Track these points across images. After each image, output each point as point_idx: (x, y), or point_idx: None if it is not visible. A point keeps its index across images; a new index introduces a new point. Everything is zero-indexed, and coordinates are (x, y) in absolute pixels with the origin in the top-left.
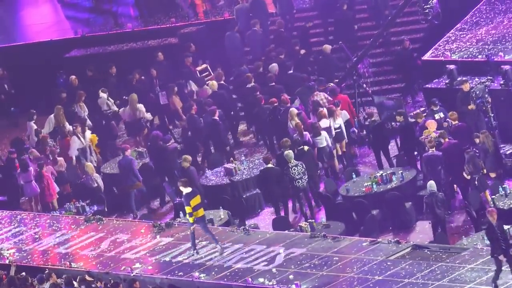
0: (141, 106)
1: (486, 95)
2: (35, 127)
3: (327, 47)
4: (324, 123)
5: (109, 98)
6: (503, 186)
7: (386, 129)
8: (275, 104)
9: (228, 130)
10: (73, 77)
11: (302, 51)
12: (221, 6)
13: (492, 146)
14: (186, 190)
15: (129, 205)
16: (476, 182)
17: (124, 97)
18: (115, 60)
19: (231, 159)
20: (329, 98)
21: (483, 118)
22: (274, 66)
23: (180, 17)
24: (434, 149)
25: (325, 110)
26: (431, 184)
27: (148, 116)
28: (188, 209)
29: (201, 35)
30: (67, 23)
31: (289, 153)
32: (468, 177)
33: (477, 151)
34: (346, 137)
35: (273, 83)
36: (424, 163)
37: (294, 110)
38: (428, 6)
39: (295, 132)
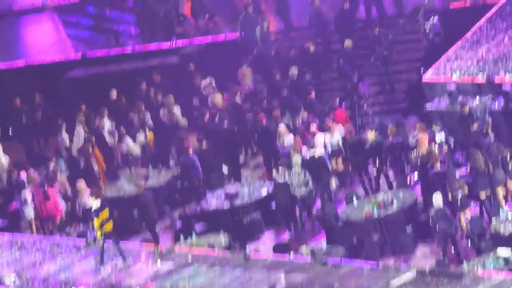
0: (177, 110)
1: (487, 116)
2: (67, 138)
3: (349, 42)
4: (319, 139)
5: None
6: (504, 209)
7: (365, 146)
8: (263, 122)
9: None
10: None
11: (312, 48)
12: (221, 23)
13: (483, 165)
14: (96, 202)
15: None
16: (459, 201)
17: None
18: (116, 79)
19: (232, 182)
20: (314, 119)
21: (483, 139)
22: (293, 70)
23: (182, 36)
24: (439, 164)
25: (315, 128)
26: (437, 198)
27: (184, 120)
28: (96, 222)
29: (201, 54)
30: (69, 42)
31: (297, 158)
32: (450, 196)
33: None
34: (343, 152)
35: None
36: (432, 180)
37: (282, 127)
38: (429, 24)
39: (284, 149)
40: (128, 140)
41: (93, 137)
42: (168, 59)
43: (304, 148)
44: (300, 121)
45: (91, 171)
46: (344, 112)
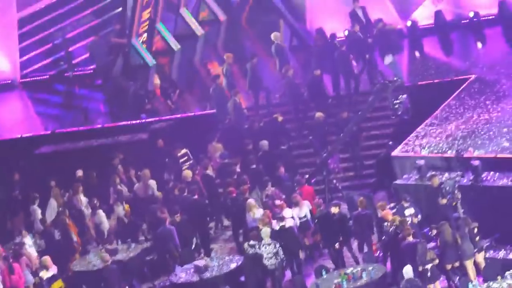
0: (152, 183)
1: (456, 191)
2: (40, 211)
3: (320, 115)
4: (287, 213)
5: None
6: (473, 283)
7: (332, 219)
8: (233, 195)
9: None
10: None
11: (280, 118)
12: (190, 100)
13: (451, 238)
14: (47, 274)
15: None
16: (429, 272)
17: (138, 172)
18: (85, 156)
19: (201, 255)
20: (280, 194)
21: (452, 214)
22: (265, 143)
23: (150, 113)
24: (411, 237)
25: (281, 202)
26: (408, 270)
27: (159, 194)
28: None
29: (171, 130)
30: (37, 119)
31: (266, 230)
32: (420, 268)
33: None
34: (312, 226)
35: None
36: (403, 252)
37: (251, 201)
38: (398, 101)
39: (253, 222)
40: (101, 213)
41: (67, 210)
42: (138, 135)
43: (274, 222)
44: (266, 196)
45: (69, 242)
46: (311, 189)
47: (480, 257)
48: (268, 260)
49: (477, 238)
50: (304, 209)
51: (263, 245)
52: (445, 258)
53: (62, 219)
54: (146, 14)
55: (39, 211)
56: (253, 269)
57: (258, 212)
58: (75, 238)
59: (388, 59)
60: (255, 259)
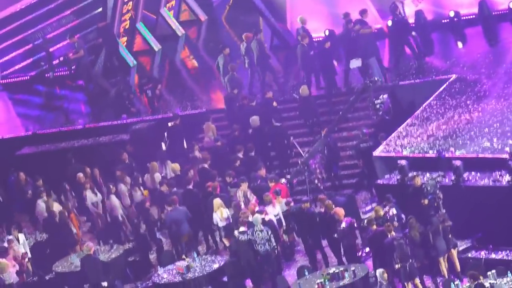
0: (157, 176)
1: (438, 191)
2: (44, 205)
3: (305, 89)
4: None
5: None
6: (456, 283)
7: (310, 215)
8: (209, 189)
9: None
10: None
11: (275, 104)
12: (172, 102)
13: (418, 236)
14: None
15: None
16: (407, 269)
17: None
18: (67, 156)
19: (183, 256)
20: (252, 194)
21: (434, 214)
22: (255, 119)
23: (131, 114)
24: (393, 232)
25: (253, 201)
26: (380, 273)
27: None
28: None
29: (152, 131)
30: (18, 120)
31: (258, 217)
32: (397, 266)
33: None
34: (284, 225)
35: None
36: (386, 248)
37: (217, 201)
38: (379, 101)
39: (221, 222)
40: (114, 198)
41: (69, 204)
42: (119, 136)
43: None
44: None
45: (68, 234)
46: (286, 188)
47: (454, 255)
48: (262, 246)
49: (450, 235)
50: (277, 207)
51: (256, 231)
52: (413, 255)
53: (61, 212)
54: (126, 14)
55: (43, 205)
56: (246, 254)
57: (225, 212)
58: (75, 230)
59: (355, 62)
60: (249, 244)
